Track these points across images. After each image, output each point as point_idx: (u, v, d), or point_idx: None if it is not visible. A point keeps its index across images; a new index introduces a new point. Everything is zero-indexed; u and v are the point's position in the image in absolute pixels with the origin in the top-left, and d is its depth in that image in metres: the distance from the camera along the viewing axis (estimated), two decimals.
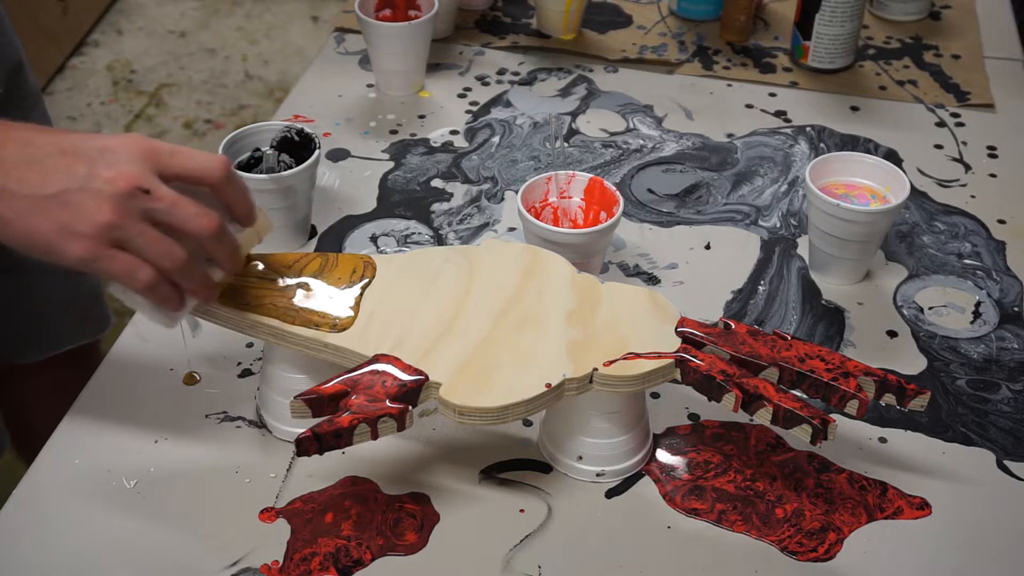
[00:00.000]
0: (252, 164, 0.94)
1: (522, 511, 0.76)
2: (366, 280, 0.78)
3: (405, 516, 0.75)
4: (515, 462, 0.79)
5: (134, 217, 0.65)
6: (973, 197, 1.04)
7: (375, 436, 0.68)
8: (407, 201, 1.03)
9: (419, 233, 0.99)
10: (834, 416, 0.72)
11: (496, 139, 1.11)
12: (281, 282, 0.77)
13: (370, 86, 1.18)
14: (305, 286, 0.77)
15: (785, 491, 0.77)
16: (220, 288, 0.73)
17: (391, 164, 1.08)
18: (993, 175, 1.07)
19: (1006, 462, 0.80)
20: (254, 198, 0.91)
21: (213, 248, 0.69)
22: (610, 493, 0.77)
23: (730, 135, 1.12)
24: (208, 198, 0.69)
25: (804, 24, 1.19)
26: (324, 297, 0.76)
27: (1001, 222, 1.01)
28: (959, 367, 0.87)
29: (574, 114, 1.15)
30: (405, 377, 0.70)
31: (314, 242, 0.98)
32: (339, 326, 0.74)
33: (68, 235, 0.65)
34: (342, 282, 0.77)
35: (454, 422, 0.71)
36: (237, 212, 0.71)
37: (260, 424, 0.81)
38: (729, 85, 1.20)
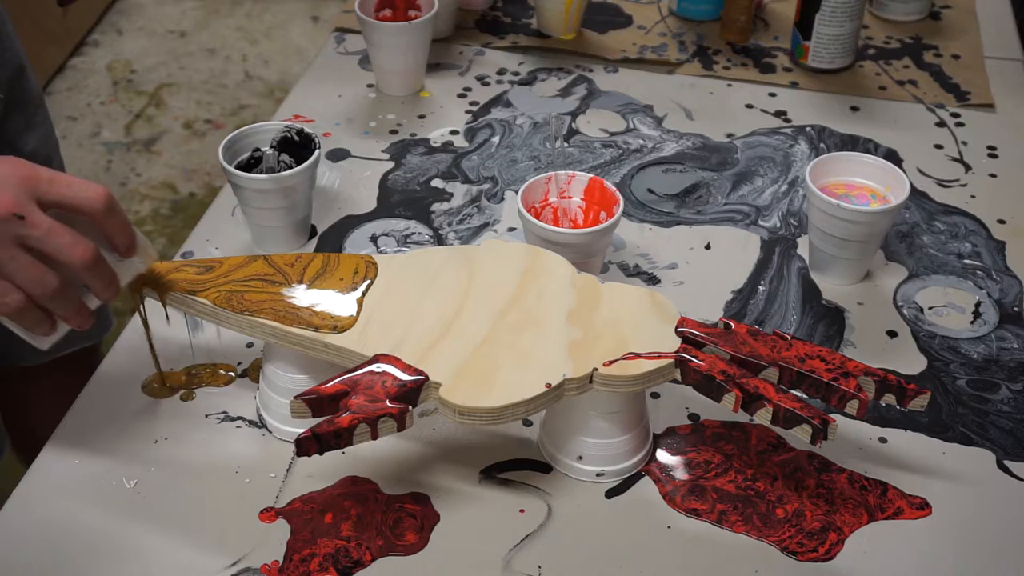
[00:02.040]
0: (252, 164, 0.94)
1: (522, 511, 0.76)
2: (368, 281, 0.78)
3: (405, 516, 0.75)
4: (515, 462, 0.79)
5: (6, 242, 0.66)
6: (973, 197, 1.04)
7: (375, 436, 0.68)
8: (407, 201, 1.03)
9: (419, 233, 0.99)
10: (834, 416, 0.72)
11: (496, 139, 1.11)
12: (283, 284, 0.77)
13: (370, 86, 1.18)
14: (306, 288, 0.77)
15: (786, 491, 0.77)
16: (94, 314, 0.73)
17: (391, 164, 1.08)
18: (993, 175, 1.07)
19: (1006, 462, 0.80)
20: (253, 198, 0.92)
21: (87, 278, 0.69)
22: (610, 493, 0.77)
23: (730, 135, 1.12)
24: (89, 225, 0.69)
25: (804, 24, 1.19)
26: (326, 298, 0.76)
27: (1001, 222, 1.01)
28: (959, 367, 0.87)
29: (574, 114, 1.15)
30: (405, 377, 0.70)
31: (314, 242, 0.98)
32: (340, 327, 0.74)
33: None
34: (344, 283, 0.77)
35: (454, 422, 0.71)
36: (116, 243, 0.71)
37: (260, 424, 0.81)
38: (729, 85, 1.20)
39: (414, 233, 0.99)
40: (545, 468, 0.79)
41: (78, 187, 0.68)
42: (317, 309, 0.75)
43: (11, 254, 0.66)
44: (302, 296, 0.76)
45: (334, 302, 0.76)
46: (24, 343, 0.73)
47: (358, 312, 0.75)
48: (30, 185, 0.66)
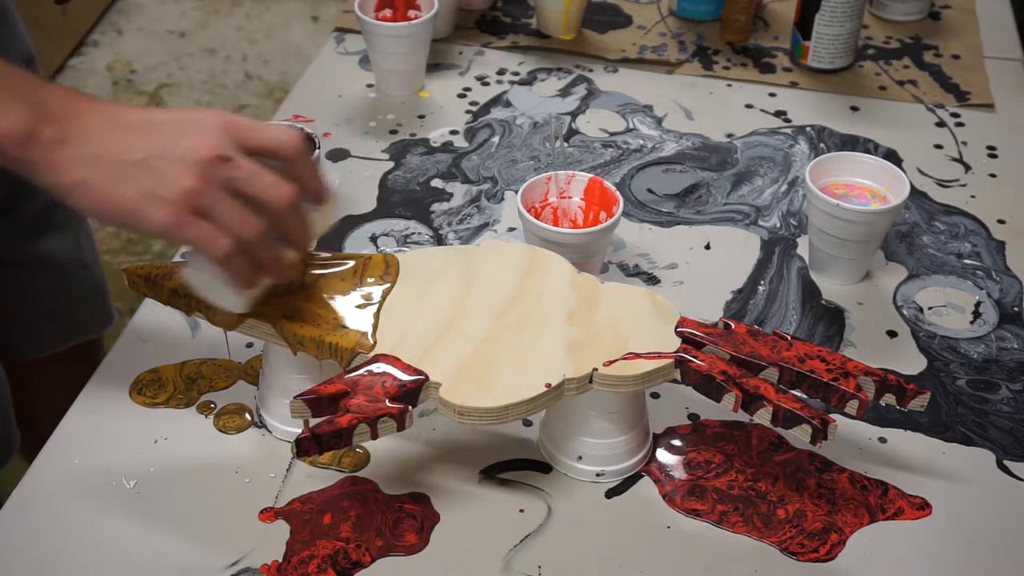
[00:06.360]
0: None
1: (522, 511, 0.76)
2: (388, 284, 0.77)
3: (405, 516, 0.75)
4: (515, 462, 0.79)
5: (215, 184, 0.66)
6: (973, 197, 1.04)
7: (375, 436, 0.68)
8: (407, 201, 1.03)
9: (419, 233, 0.99)
10: (834, 416, 0.72)
11: (496, 139, 1.11)
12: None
13: (370, 86, 1.18)
14: (366, 295, 0.77)
15: (787, 491, 0.77)
16: (290, 270, 0.73)
17: (391, 164, 1.08)
18: (993, 175, 1.07)
19: (1006, 462, 0.80)
20: None
21: (287, 222, 0.69)
22: (610, 493, 0.77)
23: (730, 135, 1.12)
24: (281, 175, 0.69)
25: (804, 24, 1.19)
26: (327, 299, 0.76)
27: (1001, 222, 1.01)
28: (959, 367, 0.87)
29: (574, 114, 1.15)
30: (405, 377, 0.70)
31: (314, 242, 0.97)
32: (365, 346, 0.73)
33: (152, 201, 0.65)
34: (346, 284, 0.77)
35: (454, 422, 0.71)
36: (311, 187, 0.71)
37: (260, 424, 0.81)
38: (729, 85, 1.20)
39: (414, 233, 0.99)
40: (545, 468, 0.79)
41: (274, 131, 0.69)
42: (319, 311, 0.75)
43: (220, 196, 0.66)
44: (305, 299, 0.76)
45: (334, 304, 0.76)
46: (28, 335, 0.73)
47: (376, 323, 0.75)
48: (231, 130, 0.67)
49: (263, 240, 0.68)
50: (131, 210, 0.66)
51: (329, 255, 0.79)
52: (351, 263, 0.79)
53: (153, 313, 0.90)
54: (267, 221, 0.68)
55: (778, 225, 1.01)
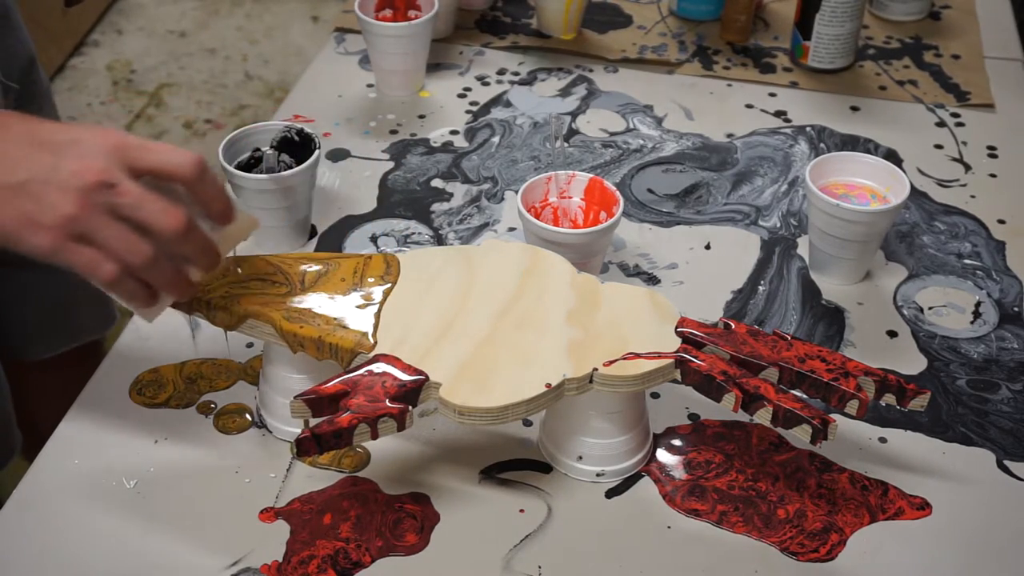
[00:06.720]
0: (252, 164, 0.94)
1: (522, 511, 0.76)
2: (388, 284, 0.77)
3: (405, 516, 0.75)
4: (515, 462, 0.79)
5: (98, 211, 0.64)
6: (973, 197, 1.04)
7: (375, 436, 0.68)
8: (407, 201, 1.03)
9: (419, 233, 0.99)
10: (834, 416, 0.72)
11: (496, 139, 1.11)
12: (283, 285, 0.77)
13: (370, 86, 1.18)
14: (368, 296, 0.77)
15: (787, 491, 0.77)
16: (197, 286, 0.72)
17: (391, 164, 1.08)
18: (993, 175, 1.07)
19: (1006, 462, 0.80)
20: (253, 198, 0.91)
21: (180, 246, 0.67)
22: (610, 493, 0.77)
23: (730, 135, 1.12)
24: (187, 194, 0.68)
25: (804, 24, 1.19)
26: (326, 300, 0.76)
27: (1001, 222, 1.01)
28: (959, 367, 0.87)
29: (574, 114, 1.15)
30: (405, 377, 0.70)
31: (314, 242, 0.98)
32: (365, 346, 0.73)
33: (31, 225, 0.64)
34: (345, 284, 0.77)
35: (454, 422, 0.71)
36: (212, 210, 0.69)
37: (260, 424, 0.81)
38: (729, 85, 1.20)
39: (414, 233, 0.99)
40: (545, 468, 0.79)
41: (168, 154, 0.66)
42: (319, 311, 0.75)
43: (103, 223, 0.65)
44: (305, 299, 0.76)
45: (334, 304, 0.76)
46: (32, 336, 0.72)
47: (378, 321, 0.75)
48: (121, 153, 0.65)
49: (153, 264, 0.66)
50: (11, 233, 0.65)
51: (233, 258, 0.78)
52: (318, 267, 0.78)
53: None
54: (156, 245, 0.66)
55: (778, 225, 1.01)
